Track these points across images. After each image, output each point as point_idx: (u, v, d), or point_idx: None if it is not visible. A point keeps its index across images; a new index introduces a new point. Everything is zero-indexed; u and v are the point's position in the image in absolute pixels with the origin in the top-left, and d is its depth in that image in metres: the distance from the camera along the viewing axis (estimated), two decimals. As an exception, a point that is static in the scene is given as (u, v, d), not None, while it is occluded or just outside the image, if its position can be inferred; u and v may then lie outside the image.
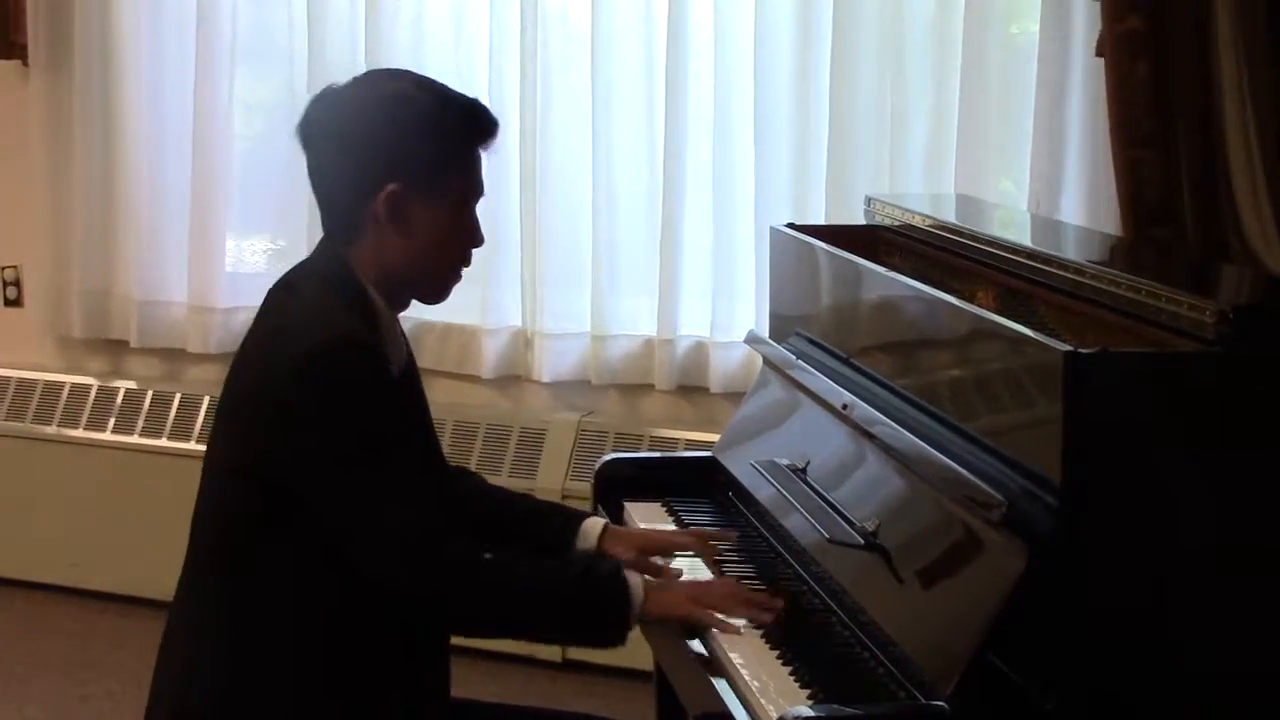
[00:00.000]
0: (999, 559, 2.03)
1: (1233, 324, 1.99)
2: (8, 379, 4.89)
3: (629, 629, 2.29)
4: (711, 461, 2.93)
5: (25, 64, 4.75)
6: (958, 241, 2.72)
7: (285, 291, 2.32)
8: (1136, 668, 1.97)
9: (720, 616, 2.31)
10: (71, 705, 4.14)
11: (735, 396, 3.79)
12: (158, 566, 3.32)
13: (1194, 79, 3.23)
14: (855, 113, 3.98)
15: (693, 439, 4.09)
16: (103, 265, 4.77)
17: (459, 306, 4.16)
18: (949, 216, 3.05)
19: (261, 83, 4.72)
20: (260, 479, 2.19)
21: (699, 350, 4.22)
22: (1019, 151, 3.86)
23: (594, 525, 2.57)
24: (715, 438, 3.11)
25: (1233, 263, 3.16)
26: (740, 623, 2.30)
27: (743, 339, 3.34)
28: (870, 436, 2.44)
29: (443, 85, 2.34)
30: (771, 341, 2.99)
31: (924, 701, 2.01)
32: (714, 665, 2.25)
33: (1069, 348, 1.96)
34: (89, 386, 4.81)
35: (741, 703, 2.13)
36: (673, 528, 2.76)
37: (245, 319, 2.38)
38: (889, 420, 2.39)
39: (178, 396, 4.70)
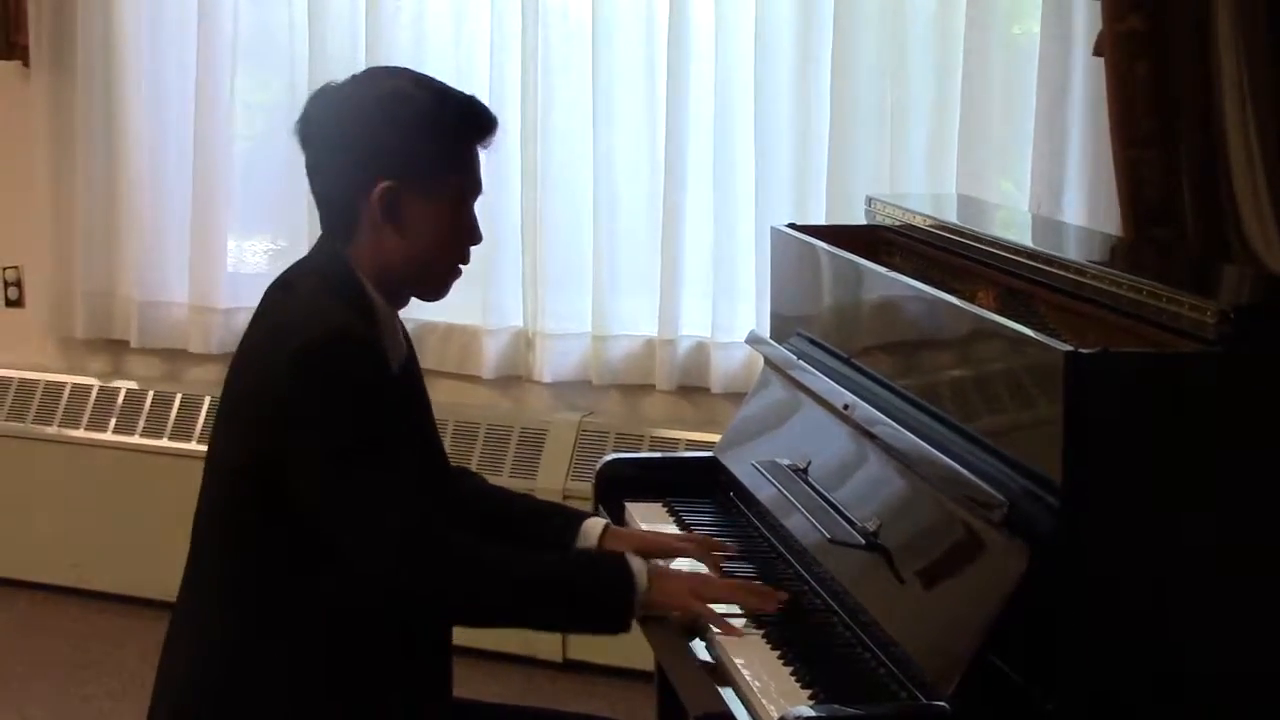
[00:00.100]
0: (1000, 559, 2.03)
1: (1233, 324, 1.99)
2: (9, 379, 4.89)
3: (633, 614, 2.28)
4: (712, 462, 2.93)
5: (26, 65, 4.75)
6: (958, 242, 2.72)
7: (283, 290, 2.31)
8: (1137, 668, 1.97)
9: (721, 613, 2.30)
10: (72, 705, 4.14)
11: (736, 397, 3.78)
12: (159, 567, 3.33)
13: (1194, 79, 3.23)
14: (856, 113, 3.98)
15: (694, 439, 4.09)
16: (104, 265, 4.77)
17: (460, 307, 4.17)
18: (950, 217, 3.04)
19: (262, 83, 4.72)
20: (261, 478, 2.19)
21: (700, 350, 4.21)
22: (1020, 152, 3.85)
23: (595, 525, 2.56)
24: (716, 438, 3.10)
25: (1233, 263, 3.16)
26: (740, 622, 2.30)
27: (744, 339, 3.34)
28: (871, 437, 2.44)
29: (441, 83, 2.34)
30: (772, 342, 2.99)
31: (925, 702, 2.01)
32: (715, 665, 2.24)
33: (1070, 348, 1.96)
34: (90, 387, 4.81)
35: (742, 703, 2.12)
36: (674, 528, 2.75)
37: (246, 319, 2.37)
38: (890, 420, 2.39)
39: (179, 397, 4.70)
